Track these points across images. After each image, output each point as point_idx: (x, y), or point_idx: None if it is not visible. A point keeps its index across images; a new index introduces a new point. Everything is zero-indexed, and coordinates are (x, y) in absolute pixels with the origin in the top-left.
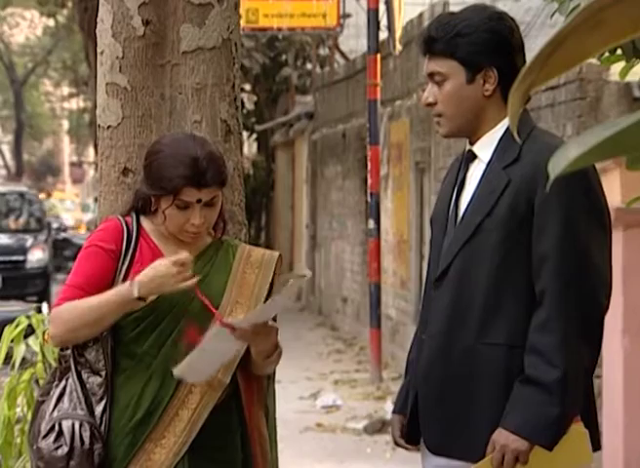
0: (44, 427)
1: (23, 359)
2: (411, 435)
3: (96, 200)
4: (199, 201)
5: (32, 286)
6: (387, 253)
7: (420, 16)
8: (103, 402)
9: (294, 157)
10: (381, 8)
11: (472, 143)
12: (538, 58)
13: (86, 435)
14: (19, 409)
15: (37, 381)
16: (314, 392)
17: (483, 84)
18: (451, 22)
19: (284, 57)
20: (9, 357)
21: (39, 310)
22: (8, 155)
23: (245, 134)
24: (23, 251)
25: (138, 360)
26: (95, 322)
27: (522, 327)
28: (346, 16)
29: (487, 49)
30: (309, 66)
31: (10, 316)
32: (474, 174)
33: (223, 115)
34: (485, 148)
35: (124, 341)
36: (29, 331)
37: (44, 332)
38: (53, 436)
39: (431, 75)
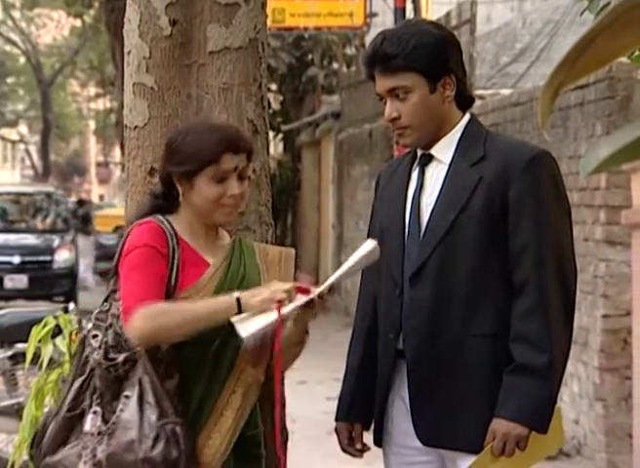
0: (147, 434)
1: (51, 359)
2: (377, 435)
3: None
4: (236, 169)
5: (59, 286)
6: None
7: (448, 14)
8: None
9: (320, 157)
10: (409, 7)
11: (427, 147)
12: (568, 57)
13: (186, 436)
14: (46, 410)
15: (64, 381)
16: None
17: (443, 91)
18: (403, 38)
19: (310, 56)
20: (36, 357)
21: (66, 310)
22: (35, 155)
23: (271, 133)
24: (50, 251)
25: (187, 362)
26: (188, 323)
27: (504, 316)
28: (373, 15)
29: (444, 58)
30: (336, 66)
31: (37, 316)
32: (434, 175)
33: (250, 115)
34: (444, 150)
35: (174, 345)
36: (57, 331)
37: (71, 333)
38: (162, 443)
39: (392, 90)
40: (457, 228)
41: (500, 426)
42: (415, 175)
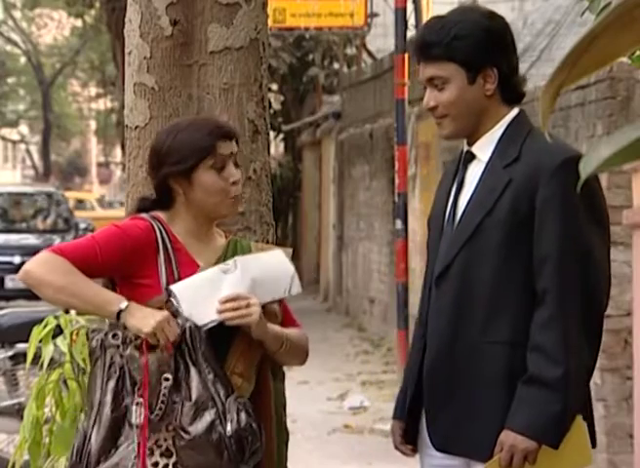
0: (226, 410)
1: (52, 359)
2: (407, 435)
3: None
4: (232, 154)
5: None
6: (415, 253)
7: None
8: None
9: (321, 157)
10: (409, 7)
11: (471, 144)
12: (569, 57)
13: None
14: (47, 410)
15: (65, 382)
16: (342, 393)
17: (484, 84)
18: (445, 26)
19: (311, 56)
20: (37, 357)
21: (67, 310)
22: (36, 156)
23: (272, 134)
24: None
25: None
26: (68, 296)
27: (524, 324)
28: (374, 15)
29: (485, 49)
30: (336, 66)
31: (38, 316)
32: (473, 173)
33: (251, 115)
34: (484, 148)
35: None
36: (57, 331)
37: (72, 333)
38: (243, 415)
39: (431, 80)
40: (482, 231)
41: (507, 438)
42: (460, 172)
